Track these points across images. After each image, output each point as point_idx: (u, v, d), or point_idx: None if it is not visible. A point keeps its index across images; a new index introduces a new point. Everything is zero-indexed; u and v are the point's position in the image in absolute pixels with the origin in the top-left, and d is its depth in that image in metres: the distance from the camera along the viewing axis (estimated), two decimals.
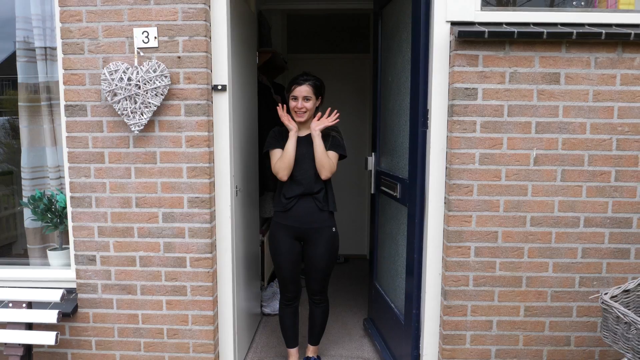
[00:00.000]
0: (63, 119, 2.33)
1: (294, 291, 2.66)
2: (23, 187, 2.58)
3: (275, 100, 3.64)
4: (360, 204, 4.88)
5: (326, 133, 2.53)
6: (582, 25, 2.16)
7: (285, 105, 2.54)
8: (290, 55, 4.84)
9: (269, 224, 3.60)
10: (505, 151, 2.20)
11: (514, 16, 2.19)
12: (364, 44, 4.85)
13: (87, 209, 2.35)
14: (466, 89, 2.16)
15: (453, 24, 2.18)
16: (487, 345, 2.31)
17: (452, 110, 2.18)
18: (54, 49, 2.41)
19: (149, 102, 2.20)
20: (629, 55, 2.13)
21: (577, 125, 2.17)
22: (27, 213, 2.59)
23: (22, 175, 2.58)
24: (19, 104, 2.53)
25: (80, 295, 2.41)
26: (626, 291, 1.99)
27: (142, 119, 2.22)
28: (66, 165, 2.35)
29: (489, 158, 2.20)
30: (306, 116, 2.50)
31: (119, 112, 2.23)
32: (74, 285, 2.44)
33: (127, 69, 2.19)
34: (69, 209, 2.38)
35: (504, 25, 2.16)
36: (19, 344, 2.18)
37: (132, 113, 2.21)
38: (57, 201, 2.52)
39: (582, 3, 2.34)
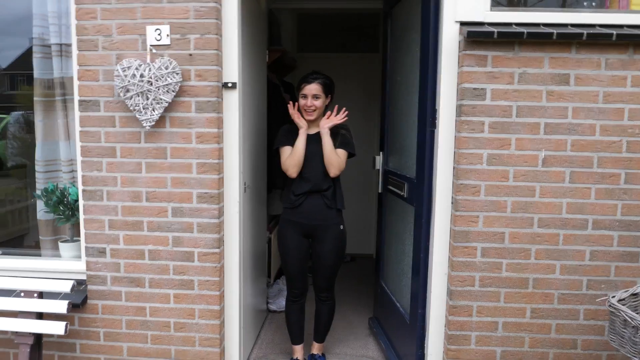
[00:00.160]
0: (77, 113, 2.38)
1: (300, 288, 2.68)
2: (37, 180, 2.63)
3: (284, 98, 3.66)
4: (367, 203, 4.88)
5: (336, 131, 2.54)
6: (592, 26, 2.15)
7: (295, 103, 2.57)
8: (300, 54, 4.86)
9: (277, 221, 3.63)
10: (513, 152, 2.19)
11: (523, 16, 2.18)
12: (373, 43, 4.84)
13: (98, 202, 2.39)
14: (475, 89, 2.16)
15: (462, 24, 2.18)
16: (493, 347, 2.31)
17: (460, 111, 2.18)
18: (69, 45, 2.46)
19: (161, 99, 2.24)
20: None
21: (587, 127, 2.16)
22: (40, 205, 2.64)
23: (36, 168, 2.63)
24: (35, 98, 2.58)
25: (89, 287, 2.45)
26: (634, 295, 1.98)
27: (153, 115, 2.26)
28: (79, 159, 2.40)
29: (497, 159, 2.19)
30: (315, 114, 2.52)
31: (131, 108, 2.27)
32: (84, 277, 2.48)
33: (140, 65, 2.23)
34: (81, 202, 2.43)
35: (514, 26, 2.15)
36: (30, 333, 2.22)
37: (144, 109, 2.25)
38: (69, 194, 2.57)
39: (593, 4, 2.32)
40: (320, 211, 2.55)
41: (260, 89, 3.01)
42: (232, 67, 2.37)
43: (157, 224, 2.39)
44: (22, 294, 2.26)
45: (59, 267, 2.54)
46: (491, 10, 2.18)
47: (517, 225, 2.23)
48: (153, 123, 2.27)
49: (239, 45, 2.38)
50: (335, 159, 2.47)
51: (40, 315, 2.26)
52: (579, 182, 2.19)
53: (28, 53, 2.58)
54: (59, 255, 2.63)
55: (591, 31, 2.08)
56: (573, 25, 2.16)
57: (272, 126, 3.22)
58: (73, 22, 2.33)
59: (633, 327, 1.75)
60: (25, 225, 2.87)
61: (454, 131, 2.24)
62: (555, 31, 2.08)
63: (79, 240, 2.52)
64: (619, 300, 1.91)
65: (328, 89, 2.55)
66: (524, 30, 2.09)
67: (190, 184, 2.35)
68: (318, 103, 2.50)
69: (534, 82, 2.15)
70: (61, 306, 2.21)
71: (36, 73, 2.56)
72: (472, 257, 2.26)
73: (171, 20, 2.26)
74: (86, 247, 2.44)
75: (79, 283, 2.46)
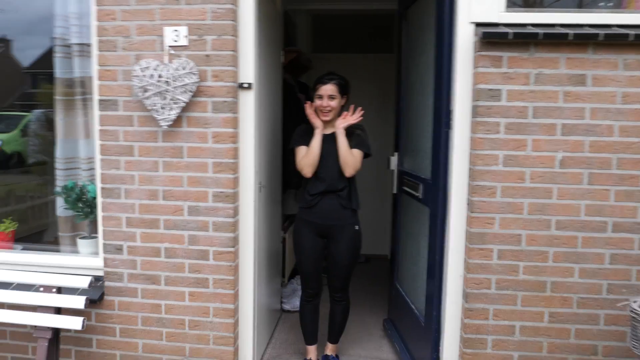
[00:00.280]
0: (96, 112, 2.43)
1: (315, 288, 2.68)
2: (57, 177, 2.69)
3: (299, 98, 3.67)
4: (382, 204, 4.86)
5: (351, 131, 2.55)
6: (609, 26, 2.12)
7: (312, 103, 2.58)
8: (315, 55, 4.87)
9: (291, 221, 3.64)
10: (529, 153, 2.17)
11: (539, 17, 2.17)
12: (388, 44, 4.84)
13: (116, 200, 2.43)
14: (490, 90, 2.15)
15: (477, 25, 2.17)
16: (510, 351, 2.27)
17: (475, 111, 2.17)
18: (89, 45, 2.51)
19: (178, 99, 2.28)
20: None
21: (605, 128, 2.13)
22: (60, 202, 2.70)
23: (56, 165, 2.69)
24: (56, 97, 2.65)
25: (107, 283, 2.49)
26: None
27: (170, 115, 2.29)
28: (98, 157, 2.45)
29: (513, 160, 2.17)
30: (331, 115, 2.53)
31: (148, 108, 2.30)
32: (101, 273, 2.52)
33: (158, 66, 2.27)
34: (99, 199, 2.47)
35: (529, 27, 2.14)
36: (48, 327, 2.25)
37: (161, 108, 2.29)
38: (88, 191, 2.62)
39: (610, 4, 2.29)
40: (336, 211, 2.55)
41: (275, 90, 3.03)
42: (248, 68, 2.40)
43: (174, 222, 2.42)
44: (41, 289, 2.30)
45: (77, 263, 2.59)
46: (506, 11, 2.18)
47: (534, 227, 2.20)
48: (170, 122, 2.31)
49: (255, 46, 2.41)
50: (350, 158, 2.48)
51: (58, 310, 2.29)
52: (598, 183, 2.16)
53: (49, 52, 2.64)
54: (77, 251, 2.68)
55: (608, 31, 2.06)
56: (589, 26, 2.13)
57: (287, 126, 3.24)
58: (93, 23, 2.38)
59: None
60: (44, 221, 2.93)
61: (470, 132, 2.23)
62: (571, 32, 2.06)
63: (97, 237, 2.56)
64: None
65: (343, 90, 2.56)
66: (540, 31, 2.07)
67: (206, 183, 2.38)
68: (334, 103, 2.52)
69: (550, 82, 2.13)
70: (79, 301, 2.24)
71: (57, 72, 2.63)
72: (488, 259, 2.23)
73: (189, 21, 2.30)
74: (104, 244, 2.48)
75: (97, 279, 2.50)
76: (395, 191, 3.01)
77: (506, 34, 2.07)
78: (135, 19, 2.33)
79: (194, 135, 2.36)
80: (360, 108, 2.54)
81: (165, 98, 2.27)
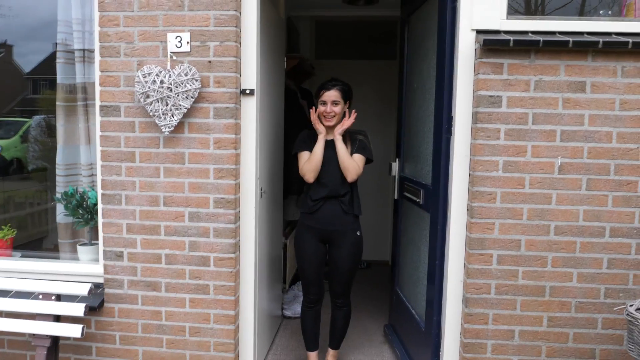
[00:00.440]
0: (98, 118, 2.42)
1: (316, 293, 2.68)
2: (57, 183, 2.68)
3: (301, 105, 3.69)
4: (383, 209, 4.88)
5: (353, 137, 2.57)
6: (608, 34, 2.16)
7: (315, 109, 2.60)
8: (318, 61, 4.91)
9: (292, 227, 3.64)
10: (529, 159, 2.19)
11: (539, 25, 2.20)
12: (390, 50, 4.88)
13: (117, 206, 2.42)
14: (490, 96, 2.17)
15: (478, 32, 2.20)
16: (509, 355, 2.29)
17: (476, 118, 2.20)
18: (92, 51, 2.51)
19: (180, 105, 2.28)
20: None
21: (603, 134, 2.16)
22: (60, 208, 2.68)
23: (57, 171, 2.68)
24: (57, 103, 2.64)
25: (106, 290, 2.48)
26: None
27: (172, 121, 2.30)
28: (99, 163, 2.44)
29: (512, 166, 2.20)
30: (334, 120, 2.54)
31: (150, 114, 2.30)
32: (101, 280, 2.50)
33: (160, 72, 2.27)
34: (100, 206, 2.46)
35: (530, 34, 2.17)
36: (47, 335, 2.23)
37: (163, 114, 2.29)
38: (88, 198, 2.60)
39: (609, 12, 2.34)
40: (338, 217, 2.56)
41: (278, 96, 3.04)
42: (251, 74, 2.41)
43: (174, 228, 2.41)
44: (40, 297, 2.28)
45: (77, 270, 2.57)
46: (507, 18, 2.21)
47: (534, 232, 2.22)
48: (172, 128, 2.31)
49: (258, 53, 2.42)
50: (351, 163, 2.49)
51: (57, 318, 2.28)
52: (596, 189, 2.19)
53: (50, 58, 2.64)
54: (77, 258, 2.66)
55: (607, 39, 2.09)
56: (589, 34, 2.17)
57: (289, 132, 3.25)
58: (96, 28, 2.38)
59: None
60: (44, 228, 2.91)
61: (470, 138, 2.25)
62: (571, 39, 2.10)
63: (97, 244, 2.55)
64: (637, 309, 1.89)
65: (346, 95, 2.58)
66: (540, 38, 2.11)
67: (207, 189, 2.38)
68: (337, 109, 2.53)
69: (550, 89, 2.16)
70: (78, 309, 2.23)
71: (59, 78, 2.62)
72: (487, 265, 2.25)
73: (192, 27, 2.30)
74: (104, 251, 2.47)
75: (97, 286, 2.48)
76: (396, 197, 3.03)
77: (507, 41, 2.10)
78: (138, 25, 2.33)
79: (196, 141, 2.36)
80: (354, 111, 2.55)
81: (167, 104, 2.28)
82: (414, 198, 2.68)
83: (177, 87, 2.26)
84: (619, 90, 2.14)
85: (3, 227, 2.75)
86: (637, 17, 2.26)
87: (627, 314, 1.87)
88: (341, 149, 2.50)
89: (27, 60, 2.85)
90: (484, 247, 2.24)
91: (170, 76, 2.26)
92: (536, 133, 2.18)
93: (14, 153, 3.09)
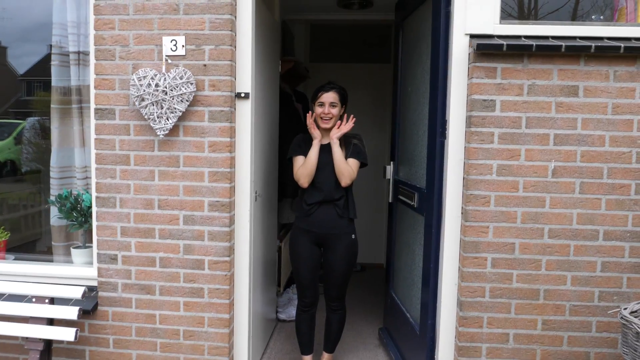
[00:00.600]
0: (92, 121, 2.42)
1: (311, 297, 2.68)
2: (51, 186, 2.67)
3: (296, 108, 3.69)
4: (377, 212, 4.89)
5: (348, 141, 2.58)
6: (601, 38, 2.17)
7: (313, 114, 2.60)
8: (313, 64, 4.93)
9: (287, 230, 3.64)
10: (523, 163, 2.20)
11: (532, 29, 2.22)
12: (385, 54, 4.91)
13: (111, 209, 2.42)
14: (484, 100, 2.18)
15: (472, 36, 2.22)
16: (504, 359, 2.29)
17: (470, 121, 2.21)
18: (87, 54, 2.51)
19: (175, 108, 2.28)
20: None
21: (596, 138, 2.17)
22: (54, 211, 2.67)
23: (51, 174, 2.67)
24: (51, 105, 2.63)
25: (100, 293, 2.47)
26: None
27: (167, 124, 2.30)
28: (93, 166, 2.44)
29: (506, 169, 2.21)
30: (331, 122, 2.55)
31: (145, 117, 2.30)
32: (95, 283, 2.49)
33: (155, 75, 2.27)
34: (94, 209, 2.45)
35: (523, 39, 2.18)
36: (40, 339, 2.22)
37: (158, 118, 2.29)
38: (82, 200, 2.60)
39: (601, 17, 2.35)
40: (333, 220, 2.56)
41: (272, 99, 3.05)
42: (245, 78, 2.41)
43: (169, 231, 2.41)
44: (34, 300, 2.27)
45: (70, 273, 2.56)
46: (500, 23, 2.22)
47: (528, 236, 2.23)
48: (167, 132, 2.31)
49: (253, 56, 2.42)
50: (346, 168, 2.50)
51: (51, 321, 2.27)
52: (589, 192, 2.20)
53: (45, 60, 2.64)
54: (70, 261, 2.65)
55: (599, 44, 2.11)
56: (581, 38, 2.19)
57: (284, 135, 3.25)
58: (91, 31, 2.39)
59: None
60: (38, 231, 2.90)
61: (464, 142, 2.26)
62: (563, 44, 2.11)
63: (91, 247, 2.54)
64: (631, 313, 1.90)
65: (343, 98, 2.60)
66: (533, 42, 2.12)
67: (202, 192, 2.38)
68: (335, 111, 2.54)
69: (543, 93, 2.17)
70: (72, 312, 2.22)
71: (54, 80, 2.62)
72: (482, 268, 2.25)
73: (187, 31, 2.31)
74: (98, 254, 2.46)
75: (90, 289, 2.47)
76: (390, 200, 3.04)
77: (500, 45, 2.11)
78: (133, 28, 2.33)
79: (191, 145, 2.36)
80: (352, 116, 2.57)
81: (162, 107, 2.28)
82: (409, 201, 2.69)
83: (172, 90, 2.26)
84: (612, 94, 2.15)
85: None
86: (629, 21, 2.28)
87: (621, 317, 1.87)
88: (337, 152, 2.50)
89: (21, 62, 2.84)
90: (478, 250, 2.25)
91: (165, 79, 2.26)
92: (530, 137, 2.19)
93: (8, 155, 3.09)
